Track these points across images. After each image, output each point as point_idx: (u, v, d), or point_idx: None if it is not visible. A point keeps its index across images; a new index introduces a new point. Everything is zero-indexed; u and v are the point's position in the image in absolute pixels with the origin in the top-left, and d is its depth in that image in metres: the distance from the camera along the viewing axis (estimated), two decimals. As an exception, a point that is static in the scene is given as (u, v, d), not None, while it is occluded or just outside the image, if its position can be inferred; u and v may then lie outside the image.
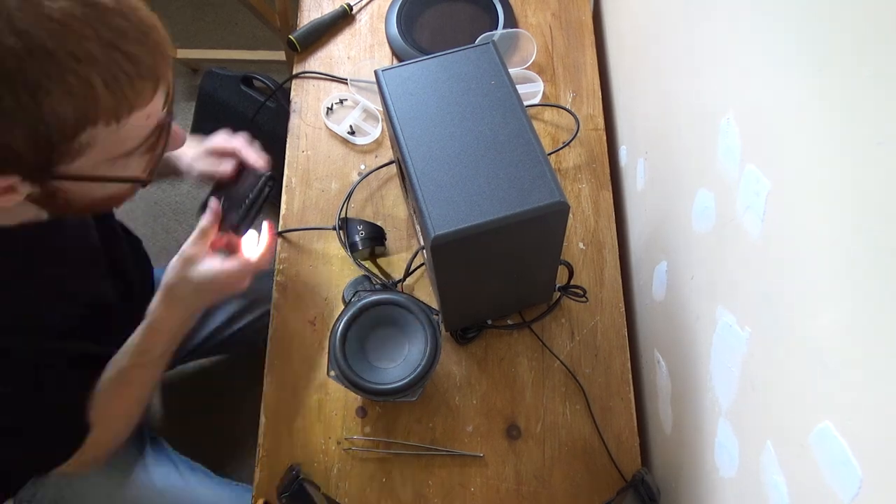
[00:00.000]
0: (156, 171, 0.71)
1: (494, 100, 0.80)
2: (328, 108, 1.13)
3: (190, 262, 0.84)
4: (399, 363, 0.84)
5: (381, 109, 1.11)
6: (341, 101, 1.14)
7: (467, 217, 0.72)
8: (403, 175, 0.82)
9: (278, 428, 0.92)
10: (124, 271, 0.98)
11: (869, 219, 0.44)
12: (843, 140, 0.47)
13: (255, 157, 0.95)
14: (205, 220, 0.86)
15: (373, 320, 0.86)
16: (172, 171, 0.98)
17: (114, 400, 0.86)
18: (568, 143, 1.10)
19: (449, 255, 0.75)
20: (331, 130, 1.12)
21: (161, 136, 0.67)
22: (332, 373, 0.83)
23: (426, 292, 1.00)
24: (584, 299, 0.96)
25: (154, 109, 0.63)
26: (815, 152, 0.51)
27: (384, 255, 1.04)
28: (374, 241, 1.01)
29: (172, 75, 0.64)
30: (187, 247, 0.85)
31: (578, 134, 1.11)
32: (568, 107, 1.13)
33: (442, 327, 0.86)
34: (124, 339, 0.87)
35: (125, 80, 0.57)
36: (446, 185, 0.75)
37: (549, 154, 1.08)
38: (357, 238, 1.00)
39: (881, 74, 0.43)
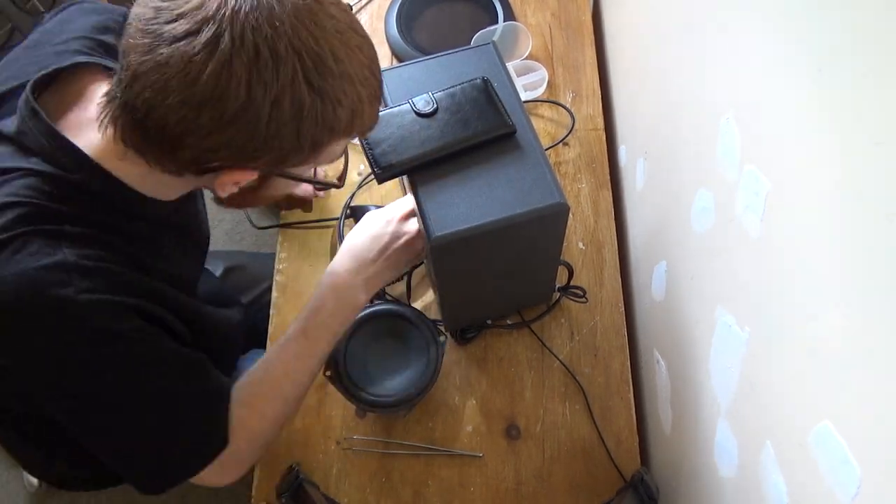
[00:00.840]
0: (345, 179, 0.81)
1: None
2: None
3: (372, 216, 0.85)
4: (396, 378, 0.84)
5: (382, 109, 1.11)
6: None
7: (467, 218, 0.72)
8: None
9: (278, 428, 0.92)
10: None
11: (868, 219, 0.44)
12: (843, 140, 0.47)
13: None
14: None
15: (379, 330, 0.86)
16: None
17: (259, 404, 0.77)
18: (563, 140, 1.10)
19: (449, 256, 0.75)
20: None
21: (346, 154, 0.75)
22: (328, 373, 0.83)
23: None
24: (583, 300, 0.96)
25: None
26: (814, 152, 0.51)
27: None
28: None
29: None
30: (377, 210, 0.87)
31: (577, 132, 1.11)
32: (567, 104, 1.13)
33: (445, 346, 0.86)
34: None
35: (376, 102, 0.66)
36: (446, 186, 0.75)
37: (546, 149, 1.08)
38: None
39: (880, 75, 0.43)
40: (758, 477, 0.60)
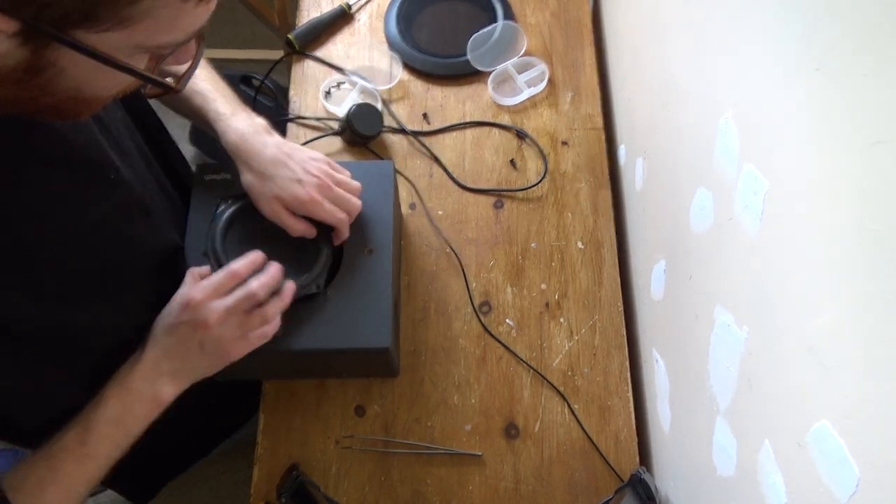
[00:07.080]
0: (186, 83, 0.57)
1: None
2: (326, 91, 1.13)
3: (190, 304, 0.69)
4: (289, 262, 0.78)
5: (381, 89, 1.11)
6: (338, 85, 1.13)
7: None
8: None
9: (277, 426, 0.92)
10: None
11: (866, 218, 0.44)
12: (841, 140, 0.47)
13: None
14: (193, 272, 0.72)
15: (257, 220, 0.80)
16: (209, 129, 0.81)
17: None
18: (537, 184, 1.09)
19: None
20: (330, 114, 1.12)
21: (195, 48, 0.55)
22: (210, 264, 0.76)
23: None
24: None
25: (211, 7, 0.52)
26: (812, 152, 0.51)
27: None
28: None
29: None
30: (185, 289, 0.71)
31: (576, 132, 1.11)
32: (566, 104, 1.13)
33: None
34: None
35: None
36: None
37: (524, 189, 1.09)
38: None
39: (879, 74, 0.43)
40: (756, 476, 0.60)
